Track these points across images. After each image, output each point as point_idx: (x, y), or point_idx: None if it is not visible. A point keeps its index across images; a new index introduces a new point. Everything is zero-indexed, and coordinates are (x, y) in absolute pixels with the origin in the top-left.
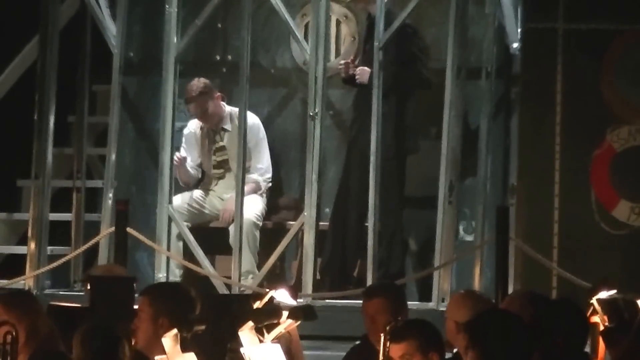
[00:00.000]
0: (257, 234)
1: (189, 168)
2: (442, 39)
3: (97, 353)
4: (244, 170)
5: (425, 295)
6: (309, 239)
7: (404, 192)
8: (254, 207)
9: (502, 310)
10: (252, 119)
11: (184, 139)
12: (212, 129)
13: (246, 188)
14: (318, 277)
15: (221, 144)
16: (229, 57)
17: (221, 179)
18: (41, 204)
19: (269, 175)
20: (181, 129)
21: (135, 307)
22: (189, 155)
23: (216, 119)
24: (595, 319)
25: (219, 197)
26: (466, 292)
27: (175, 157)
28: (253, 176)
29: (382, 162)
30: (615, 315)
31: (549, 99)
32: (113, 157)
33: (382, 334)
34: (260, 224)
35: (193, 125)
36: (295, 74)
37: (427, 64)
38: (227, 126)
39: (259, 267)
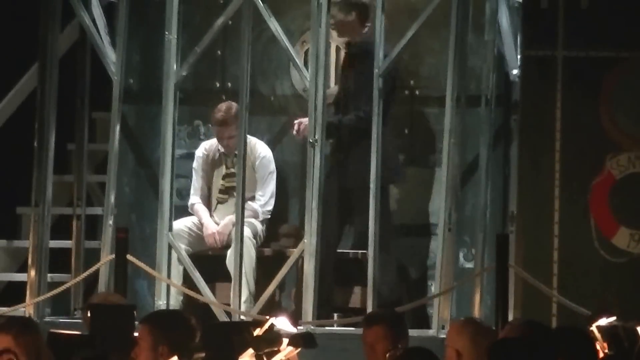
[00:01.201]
0: (253, 252)
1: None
2: (442, 67)
3: None
4: (244, 197)
5: (422, 323)
6: (309, 267)
7: (392, 220)
8: (249, 226)
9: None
10: (265, 151)
11: (196, 161)
12: (225, 155)
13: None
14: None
15: (232, 170)
16: (229, 85)
17: (222, 203)
18: (41, 232)
19: (270, 208)
20: (181, 156)
21: (135, 335)
22: (198, 177)
23: (235, 147)
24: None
25: (217, 224)
26: (466, 319)
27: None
28: (253, 205)
29: (358, 192)
30: (615, 343)
31: (548, 126)
32: (113, 184)
33: None
34: (255, 242)
35: (206, 148)
36: (295, 102)
37: (403, 94)
38: None
39: (259, 295)
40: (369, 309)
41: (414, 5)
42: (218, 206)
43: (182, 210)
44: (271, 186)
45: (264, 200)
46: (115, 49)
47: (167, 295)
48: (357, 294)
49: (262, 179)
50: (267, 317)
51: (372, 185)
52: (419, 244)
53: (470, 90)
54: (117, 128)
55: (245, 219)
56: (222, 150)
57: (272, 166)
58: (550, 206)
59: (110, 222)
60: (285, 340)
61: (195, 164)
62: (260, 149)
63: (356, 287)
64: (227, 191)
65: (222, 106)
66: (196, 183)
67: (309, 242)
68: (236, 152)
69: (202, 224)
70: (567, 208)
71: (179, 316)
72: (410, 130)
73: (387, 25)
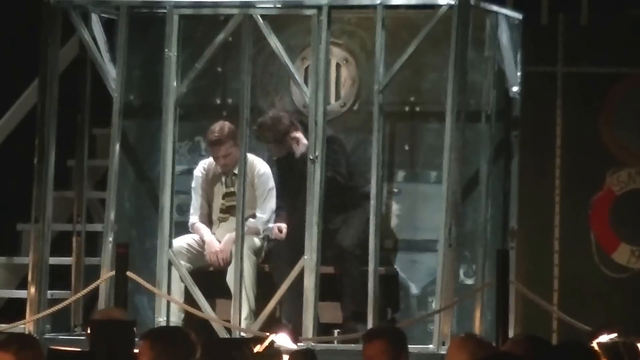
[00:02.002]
0: (253, 269)
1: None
2: (442, 83)
3: None
4: (244, 213)
5: (422, 338)
6: (309, 283)
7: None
8: (250, 243)
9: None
10: (264, 168)
11: (195, 181)
12: (224, 174)
13: (245, 231)
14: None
15: (232, 189)
16: (229, 101)
17: (223, 222)
18: (41, 248)
19: (271, 225)
20: (181, 172)
21: (135, 351)
22: (197, 196)
23: (232, 165)
24: None
25: (218, 241)
26: (466, 335)
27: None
28: (255, 222)
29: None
30: (616, 359)
31: (548, 142)
32: (113, 200)
33: None
34: (256, 259)
35: (204, 167)
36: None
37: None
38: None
39: (259, 311)
40: (370, 324)
41: (415, 21)
42: (220, 224)
43: (183, 226)
44: (271, 203)
45: (265, 217)
46: (115, 65)
47: (167, 311)
48: (333, 310)
49: (262, 196)
50: (268, 333)
51: (372, 202)
52: (419, 260)
53: (470, 106)
54: (118, 144)
55: (246, 236)
56: (217, 169)
57: (271, 182)
58: (551, 222)
59: (111, 238)
60: (286, 357)
61: (194, 184)
62: (258, 166)
63: (331, 302)
64: (227, 210)
65: (215, 127)
66: (195, 202)
67: (310, 258)
68: (235, 171)
69: (203, 241)
70: (567, 224)
71: (179, 332)
72: (410, 145)
73: (388, 41)
